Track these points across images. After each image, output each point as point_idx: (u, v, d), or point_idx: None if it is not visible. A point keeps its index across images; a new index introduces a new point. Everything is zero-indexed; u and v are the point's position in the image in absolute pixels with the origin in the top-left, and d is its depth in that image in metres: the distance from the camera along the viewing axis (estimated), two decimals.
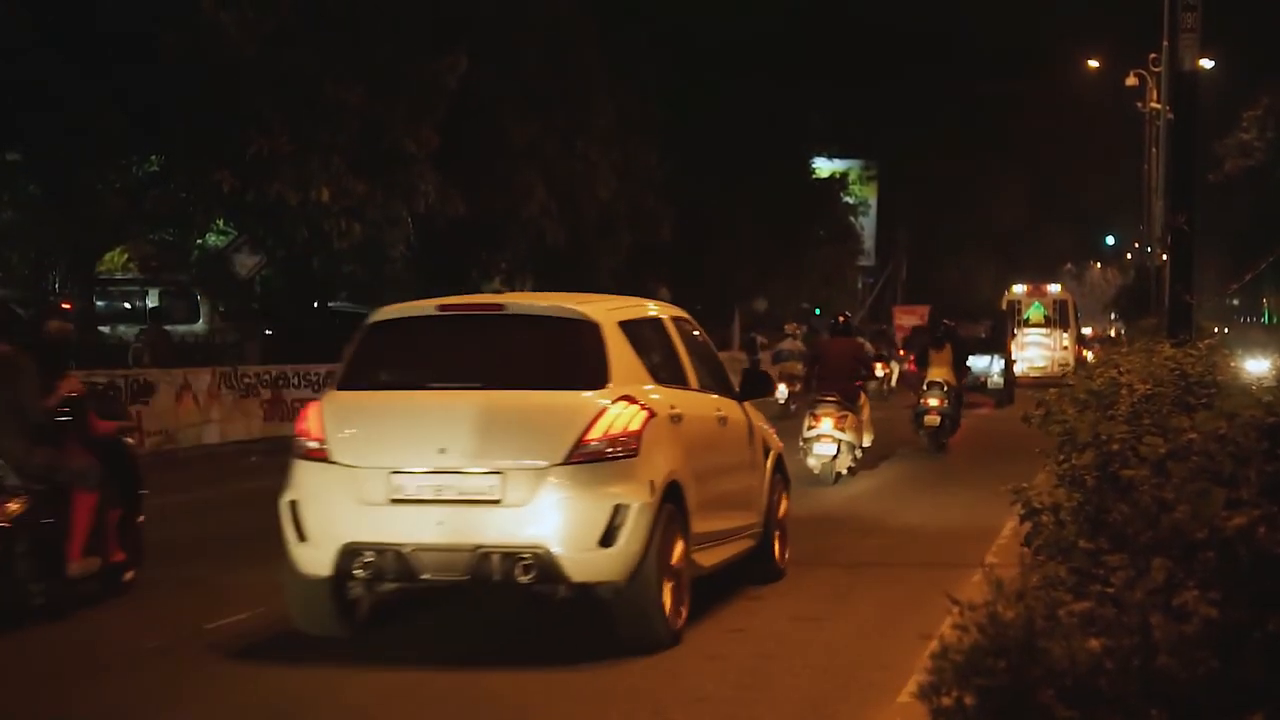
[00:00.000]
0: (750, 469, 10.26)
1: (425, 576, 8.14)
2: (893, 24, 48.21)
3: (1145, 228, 45.07)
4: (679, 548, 8.53)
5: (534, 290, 35.30)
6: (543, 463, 8.03)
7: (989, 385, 32.58)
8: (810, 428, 16.37)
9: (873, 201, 58.45)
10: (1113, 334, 53.84)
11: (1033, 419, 6.58)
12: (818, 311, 55.90)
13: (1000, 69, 52.93)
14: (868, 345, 24.17)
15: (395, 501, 8.10)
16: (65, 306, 23.69)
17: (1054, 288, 45.20)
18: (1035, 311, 41.91)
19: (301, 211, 21.25)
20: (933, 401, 20.01)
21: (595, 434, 8.11)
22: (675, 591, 8.44)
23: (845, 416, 16.54)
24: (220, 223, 26.63)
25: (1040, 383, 32.21)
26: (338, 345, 24.29)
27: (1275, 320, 70.22)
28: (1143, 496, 4.17)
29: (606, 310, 9.02)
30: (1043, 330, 41.69)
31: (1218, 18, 20.87)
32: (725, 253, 40.15)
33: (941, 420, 20.00)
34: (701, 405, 9.54)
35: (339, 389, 8.72)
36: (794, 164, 46.94)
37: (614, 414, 8.20)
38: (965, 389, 22.50)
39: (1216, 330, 39.23)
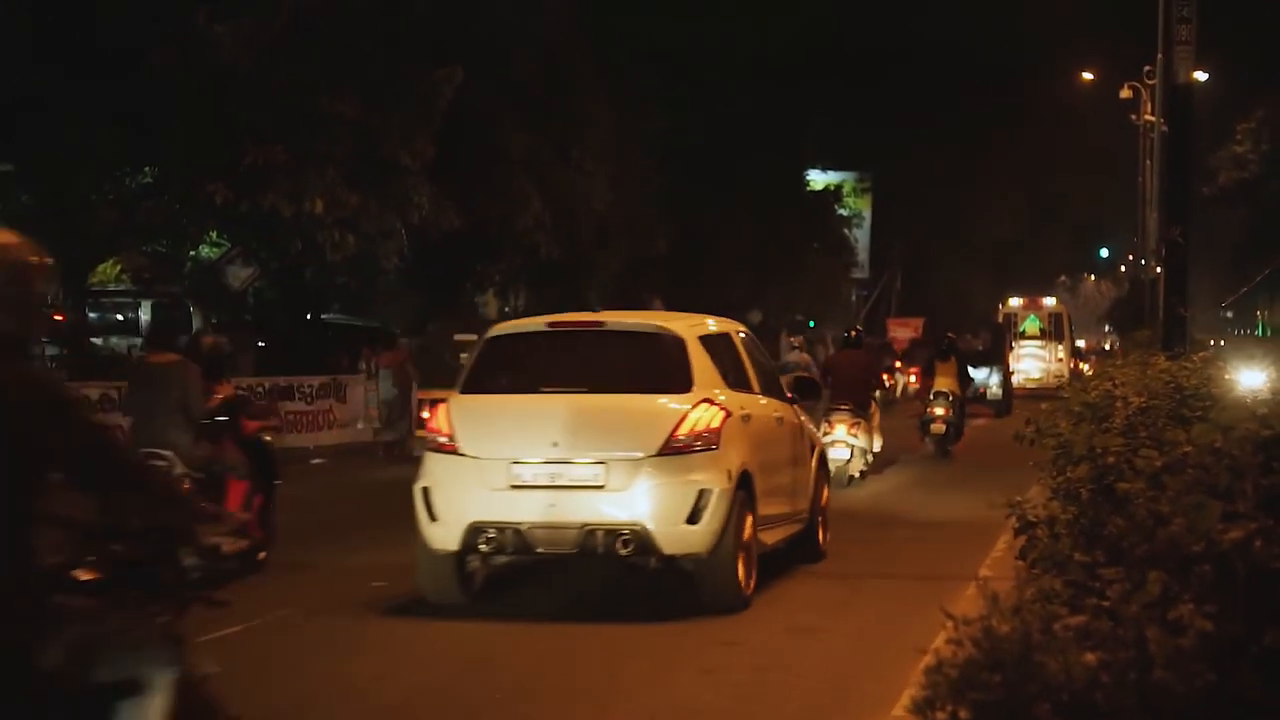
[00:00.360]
0: (800, 463, 11.73)
1: (540, 550, 9.65)
2: (887, 37, 48.29)
3: (1140, 240, 45.08)
4: (749, 526, 9.98)
5: (529, 302, 35.35)
6: (640, 454, 9.55)
7: (988, 396, 33.33)
8: (825, 433, 16.82)
9: (867, 214, 58.47)
10: (1108, 346, 53.89)
11: (1025, 437, 6.56)
12: (812, 324, 55.94)
13: (994, 81, 53.00)
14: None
15: (514, 487, 9.59)
16: (57, 317, 23.75)
17: (1049, 301, 46.21)
18: (1031, 324, 42.77)
19: (295, 223, 21.21)
20: (939, 410, 21.26)
21: (683, 431, 9.63)
22: (746, 563, 9.88)
23: (858, 423, 17.46)
24: (213, 234, 26.60)
25: (1036, 394, 33.37)
26: (331, 357, 24.82)
27: (1270, 333, 70.31)
28: (1138, 510, 4.16)
29: (688, 327, 10.62)
30: (1038, 343, 42.45)
31: (1212, 30, 20.91)
32: (720, 264, 40.16)
33: (947, 428, 21.25)
34: (763, 407, 11.00)
35: (462, 392, 10.20)
36: (789, 176, 46.99)
37: (698, 414, 9.70)
38: (968, 399, 23.64)
39: (1213, 343, 39.51)
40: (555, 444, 9.57)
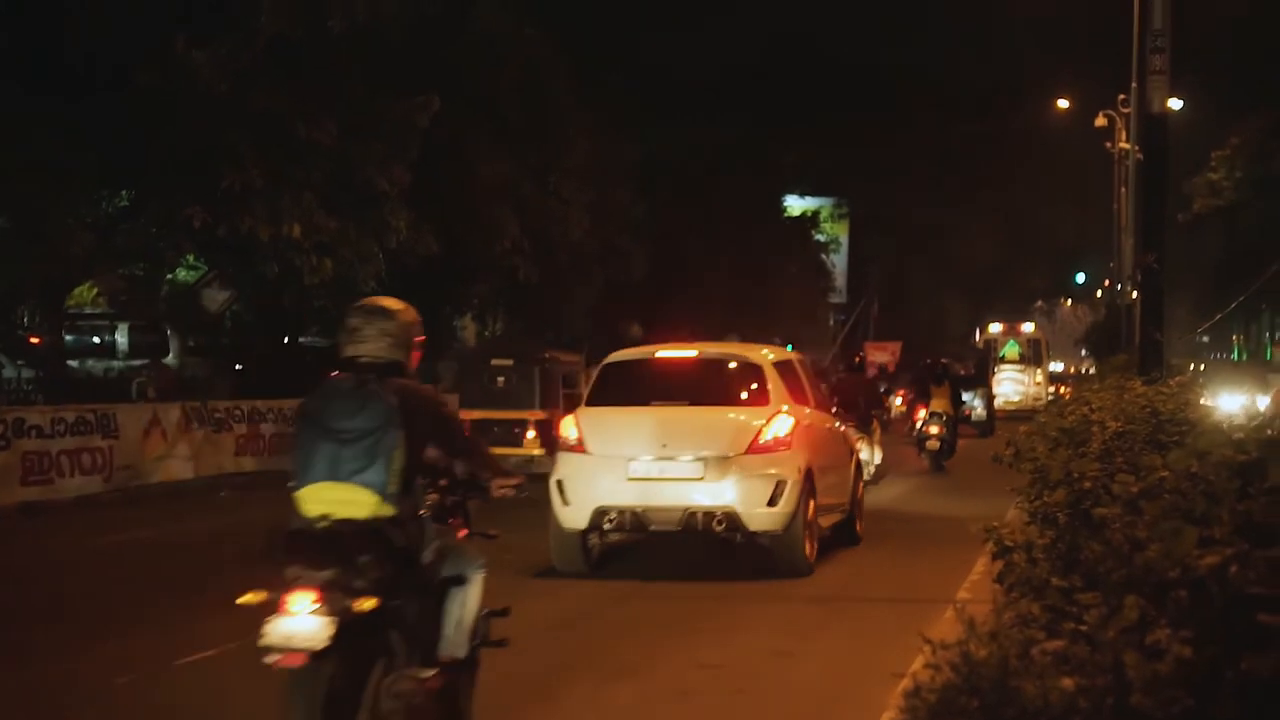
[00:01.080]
0: (844, 464, 14.36)
1: (651, 528, 12.24)
2: (864, 64, 48.54)
3: (1116, 266, 45.44)
4: (812, 510, 12.56)
5: (507, 327, 35.32)
6: (731, 453, 12.16)
7: (973, 417, 34.93)
8: None
9: (844, 239, 58.67)
10: (1085, 370, 54.32)
11: (1003, 459, 6.58)
12: (790, 348, 55.84)
13: (971, 109, 53.30)
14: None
15: (631, 479, 12.15)
16: (34, 340, 23.67)
17: (1028, 327, 48.43)
18: (1010, 349, 44.98)
19: (273, 247, 21.17)
20: (934, 429, 23.63)
21: (764, 435, 12.30)
22: (810, 539, 12.55)
23: (861, 438, 18.55)
24: (190, 258, 26.52)
25: (1015, 415, 35.09)
26: (309, 380, 24.54)
27: (1245, 357, 70.64)
28: (1115, 535, 4.17)
29: (764, 355, 13.58)
30: (1017, 367, 44.62)
31: (1186, 59, 21.07)
32: (698, 290, 40.22)
33: (941, 445, 23.59)
34: (819, 419, 13.74)
35: (587, 405, 12.94)
36: (766, 202, 47.11)
37: (775, 423, 12.41)
38: (959, 419, 26.02)
39: (1194, 367, 40.39)
40: (664, 445, 12.25)
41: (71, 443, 18.45)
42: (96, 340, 26.22)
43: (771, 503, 12.11)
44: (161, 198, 20.98)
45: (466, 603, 6.18)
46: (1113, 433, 7.16)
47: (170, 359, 26.04)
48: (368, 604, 5.57)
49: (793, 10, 45.93)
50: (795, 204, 52.75)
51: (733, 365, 13.35)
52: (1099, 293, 73.33)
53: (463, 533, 6.33)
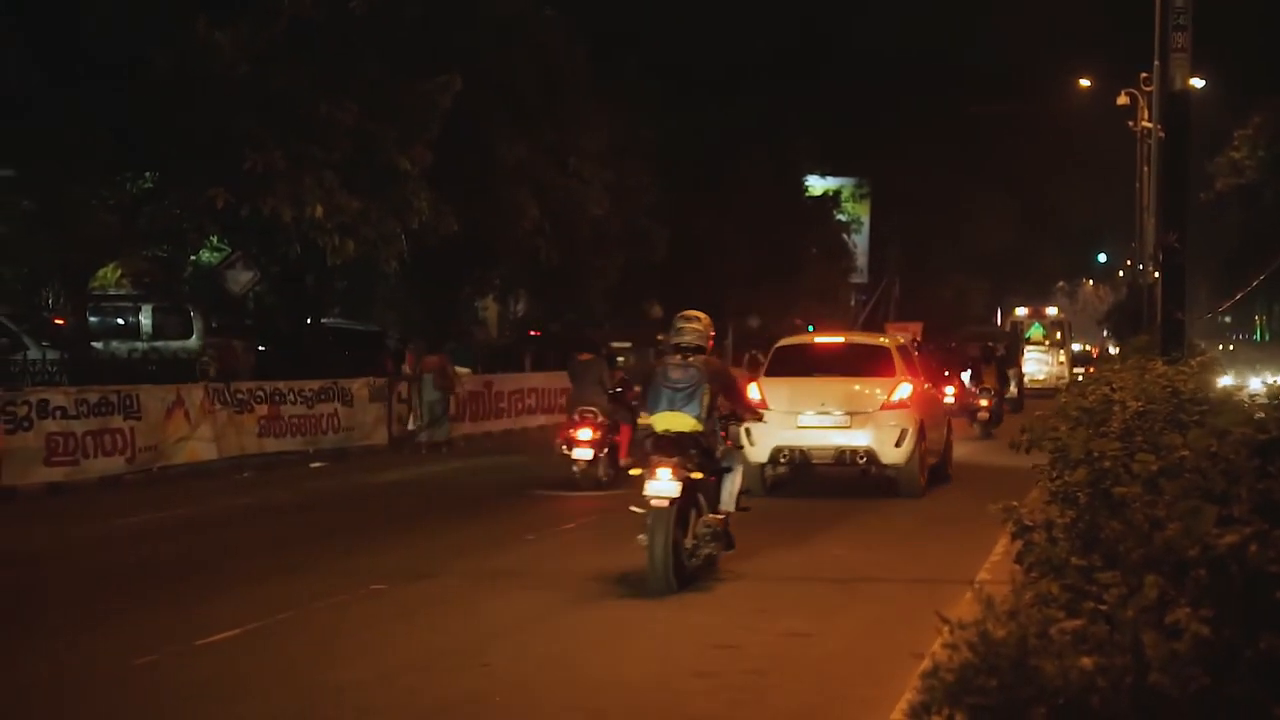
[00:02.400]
0: (941, 420, 19.32)
1: (813, 462, 17.10)
2: (885, 44, 48.35)
3: (1137, 246, 45.35)
4: (922, 450, 17.20)
5: (529, 306, 35.38)
6: (870, 410, 16.91)
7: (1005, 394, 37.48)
8: None
9: (865, 219, 58.48)
10: (1112, 350, 54.52)
11: (1019, 446, 6.58)
12: (810, 329, 55.81)
13: (992, 88, 53.04)
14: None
15: (799, 428, 16.85)
16: (58, 322, 23.77)
17: (1052, 310, 51.75)
18: (1035, 331, 47.52)
19: (295, 228, 21.21)
20: (983, 402, 27.89)
21: (892, 398, 17.04)
22: (922, 470, 17.21)
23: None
24: (214, 239, 26.59)
25: (1040, 393, 37.94)
26: (331, 360, 25.20)
27: (1267, 337, 70.33)
28: (1135, 514, 4.17)
29: (892, 339, 19.29)
30: (1042, 348, 46.94)
31: (1209, 37, 20.95)
32: (718, 270, 40.18)
33: (990, 415, 27.80)
34: (926, 387, 18.63)
35: (766, 376, 17.58)
36: (787, 182, 46.99)
37: (899, 388, 17.14)
38: (1004, 394, 30.27)
39: (1221, 347, 40.57)
40: (822, 404, 16.96)
41: (95, 424, 18.54)
42: (121, 322, 26.30)
43: (897, 444, 16.85)
44: (184, 180, 21.03)
45: (734, 481, 11.41)
46: (1133, 412, 7.14)
47: (194, 340, 26.11)
48: (697, 475, 10.77)
49: None
50: (816, 184, 52.58)
51: (869, 347, 18.60)
52: (1120, 273, 73.07)
53: (729, 443, 11.55)
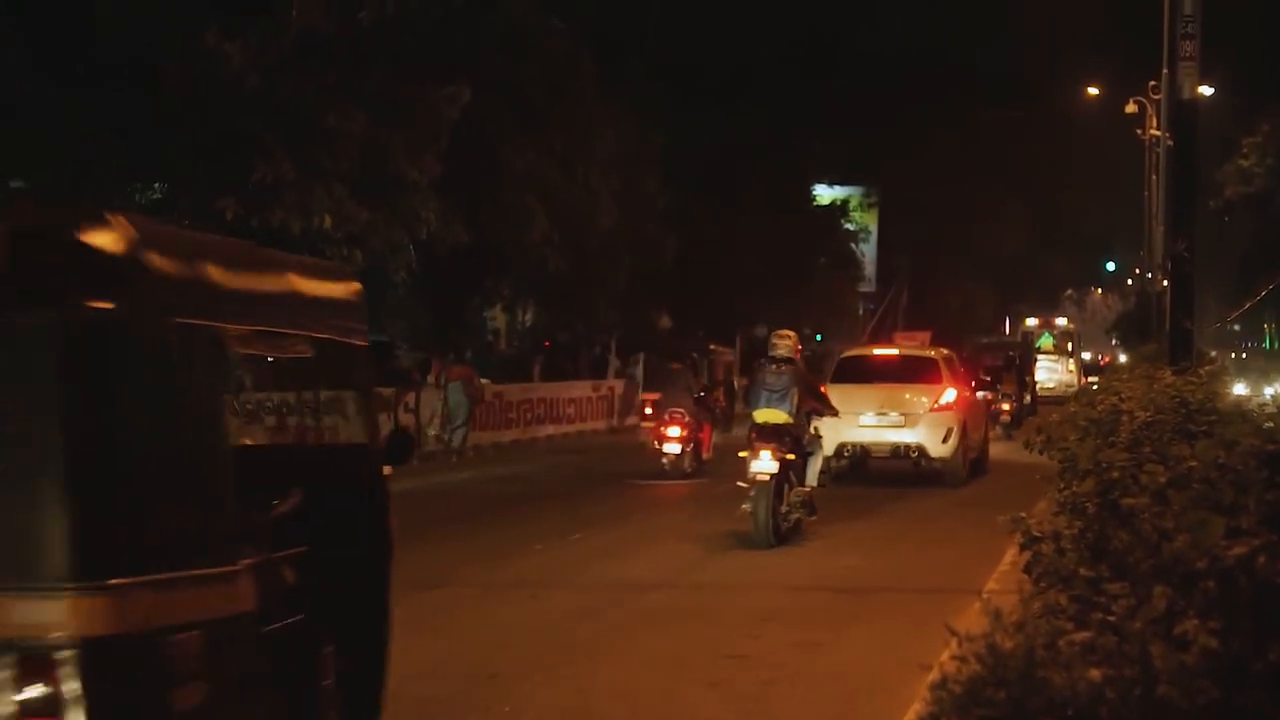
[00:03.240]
0: (981, 422, 22.57)
1: (873, 456, 20.04)
2: (893, 52, 48.35)
3: (1146, 254, 45.44)
4: (964, 446, 20.16)
5: (537, 316, 35.42)
6: (921, 411, 19.83)
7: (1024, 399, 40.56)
8: None
9: (874, 228, 58.41)
10: (1122, 359, 54.92)
11: (1033, 446, 6.58)
12: (819, 337, 55.77)
13: (1001, 96, 53.03)
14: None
15: (860, 426, 19.58)
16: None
17: (1061, 321, 54.55)
18: (1045, 340, 50.29)
19: (304, 238, 21.25)
20: (1005, 406, 30.50)
21: (940, 401, 19.95)
22: (964, 464, 20.27)
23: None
24: None
25: (1050, 399, 39.01)
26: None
27: (1277, 345, 70.22)
28: (1143, 525, 4.17)
29: (937, 351, 21.94)
30: (1051, 356, 49.38)
31: (1217, 45, 20.92)
32: (726, 279, 40.17)
33: (1010, 418, 30.32)
34: (969, 393, 21.65)
35: (832, 383, 19.23)
36: (795, 191, 46.97)
37: (945, 393, 20.13)
38: (1024, 399, 33.73)
39: (1233, 355, 40.83)
40: (881, 406, 19.97)
41: None
42: None
43: (944, 441, 19.86)
44: (193, 190, 21.08)
45: (816, 462, 14.63)
46: (1142, 422, 7.14)
47: None
48: (790, 456, 13.81)
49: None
50: (824, 193, 52.55)
51: (920, 359, 21.48)
52: (1129, 281, 73.00)
53: (812, 433, 14.70)
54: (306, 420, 6.65)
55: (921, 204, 57.21)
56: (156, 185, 22.44)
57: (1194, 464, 4.50)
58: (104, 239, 4.37)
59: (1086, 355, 58.69)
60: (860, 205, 55.96)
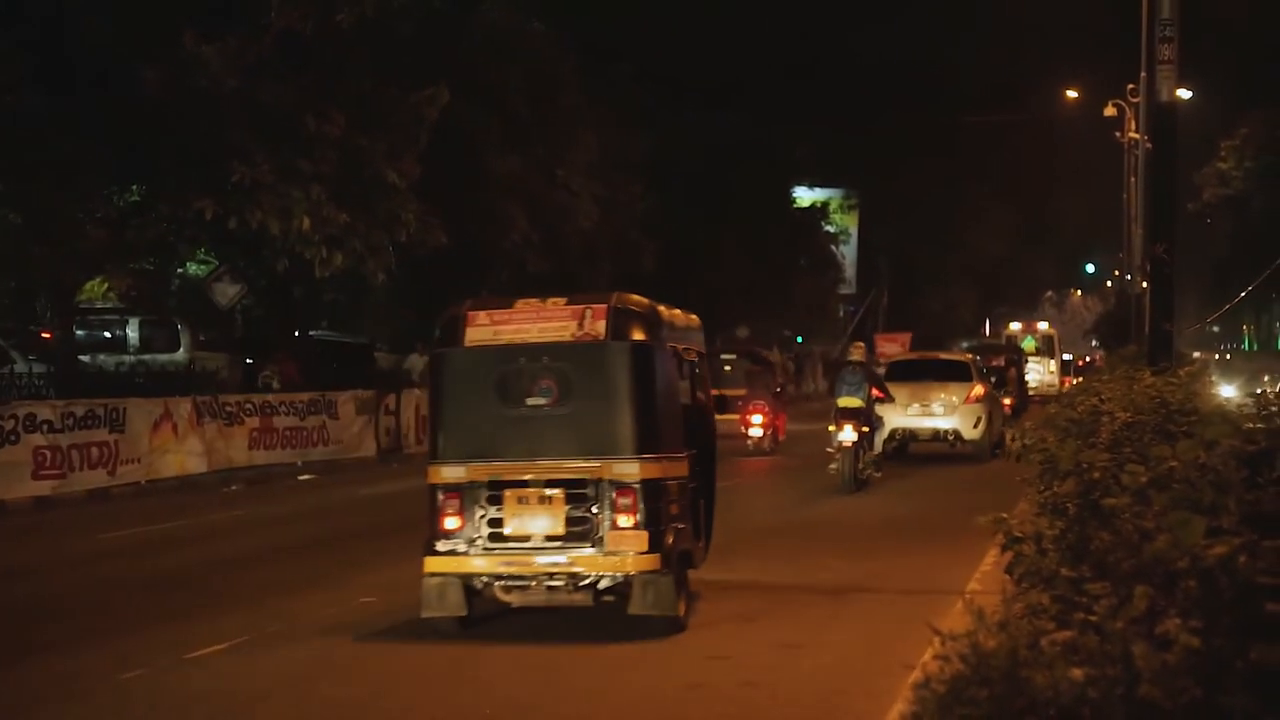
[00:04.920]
0: (1000, 412, 26.50)
1: (918, 438, 24.69)
2: (876, 56, 48.42)
3: (1125, 256, 45.58)
4: (990, 432, 24.42)
5: None
6: (957, 403, 24.44)
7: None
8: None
9: (854, 230, 58.56)
10: (1094, 360, 55.94)
11: (1010, 453, 6.58)
12: (800, 339, 55.77)
13: (981, 100, 53.15)
14: None
15: (909, 415, 24.20)
16: (45, 335, 23.70)
17: (1042, 325, 56.96)
18: (1028, 344, 51.84)
19: (283, 240, 21.21)
20: (1007, 400, 32.78)
21: (971, 395, 24.52)
22: (990, 445, 23.91)
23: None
24: (201, 252, 26.55)
25: (1034, 397, 42.17)
26: (321, 372, 24.99)
27: (1256, 347, 70.51)
28: (1124, 525, 4.18)
29: (970, 357, 27.75)
30: (1034, 359, 50.71)
31: (1195, 49, 20.99)
32: (708, 282, 40.19)
33: (1012, 410, 32.62)
34: (991, 388, 26.23)
35: (886, 380, 22.48)
36: (775, 194, 47.03)
37: (976, 389, 24.65)
38: (1026, 394, 38.18)
39: (1216, 356, 41.18)
40: (925, 400, 24.23)
41: (81, 437, 18.51)
42: (108, 335, 26.23)
43: (975, 426, 24.42)
44: (172, 192, 21.01)
45: (880, 435, 21.34)
46: (1122, 423, 7.15)
47: (181, 353, 26.06)
48: (865, 429, 19.49)
49: (804, 3, 45.83)
50: (805, 195, 52.66)
51: (955, 362, 26.49)
52: (1109, 283, 73.27)
53: (876, 414, 20.21)
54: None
55: (902, 206, 57.33)
56: (135, 187, 22.36)
57: (1175, 464, 4.51)
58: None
59: (1067, 357, 60.14)
60: (840, 207, 56.06)
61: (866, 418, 19.61)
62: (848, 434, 19.10)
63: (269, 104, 20.57)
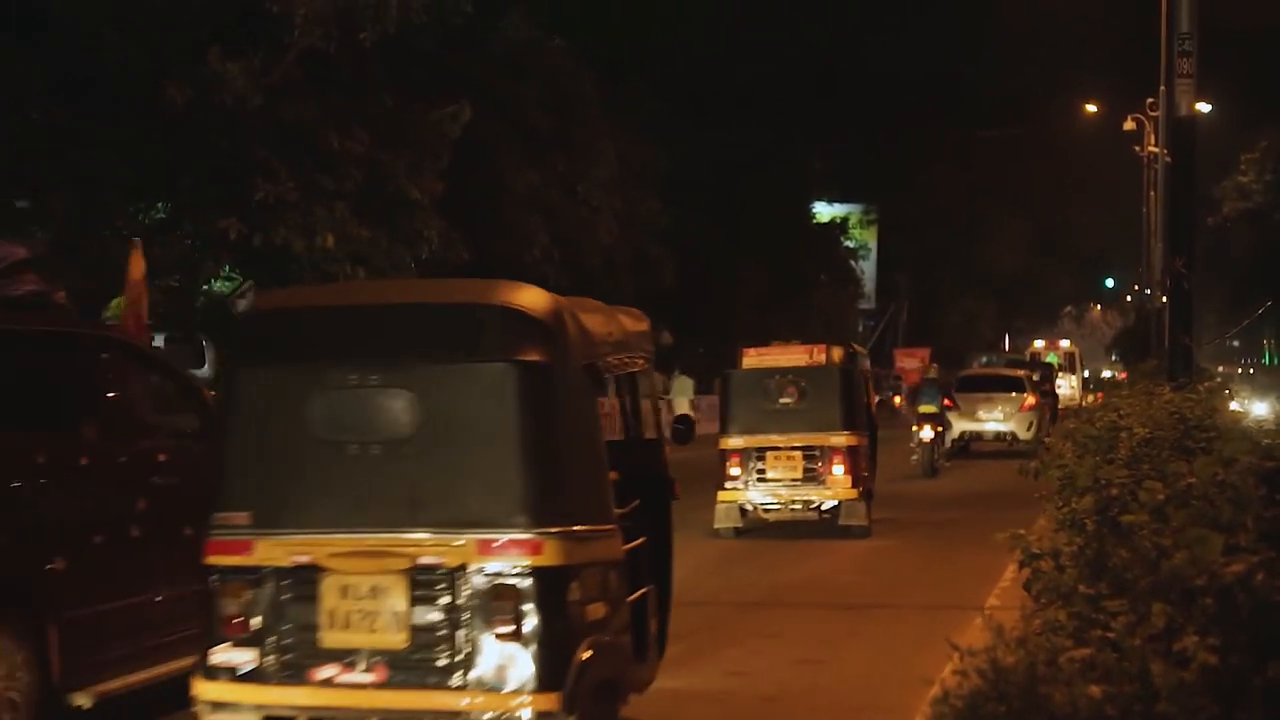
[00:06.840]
0: (1046, 416, 31.83)
1: (981, 439, 30.86)
2: (893, 71, 48.46)
3: (1145, 270, 45.51)
4: (1041, 434, 26.89)
5: None
6: (1014, 410, 30.43)
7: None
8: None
9: (873, 245, 58.53)
10: (1114, 375, 55.98)
11: (1028, 471, 6.62)
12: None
13: (1000, 114, 53.14)
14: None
15: (974, 419, 30.56)
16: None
17: (1064, 342, 59.63)
18: (1052, 359, 53.67)
19: (307, 258, 21.31)
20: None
21: (1026, 404, 30.59)
22: (1039, 445, 21.67)
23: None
24: (226, 269, 26.68)
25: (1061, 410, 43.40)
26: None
27: (1276, 361, 70.20)
28: (1142, 542, 4.21)
29: (1025, 373, 33.78)
30: (1058, 374, 52.08)
31: (1215, 62, 20.98)
32: (727, 297, 40.24)
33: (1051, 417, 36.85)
34: (1039, 395, 32.51)
35: (956, 391, 30.60)
36: (795, 209, 47.06)
37: (1029, 398, 30.78)
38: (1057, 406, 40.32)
39: (1239, 371, 41.02)
40: (988, 407, 30.21)
41: None
42: None
43: (1029, 429, 29.18)
44: (197, 210, 21.13)
45: (951, 434, 29.13)
46: (1140, 439, 7.18)
47: (206, 370, 26.15)
48: (939, 429, 25.95)
49: (822, 18, 45.89)
50: (824, 210, 52.67)
51: (1011, 376, 31.82)
52: (1128, 297, 73.05)
53: (946, 420, 27.83)
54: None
55: (921, 221, 57.28)
56: (160, 205, 22.50)
57: (1193, 481, 4.54)
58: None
59: (1087, 373, 60.44)
60: (860, 223, 56.04)
61: (939, 420, 25.80)
62: (926, 433, 25.04)
63: (292, 121, 20.68)
